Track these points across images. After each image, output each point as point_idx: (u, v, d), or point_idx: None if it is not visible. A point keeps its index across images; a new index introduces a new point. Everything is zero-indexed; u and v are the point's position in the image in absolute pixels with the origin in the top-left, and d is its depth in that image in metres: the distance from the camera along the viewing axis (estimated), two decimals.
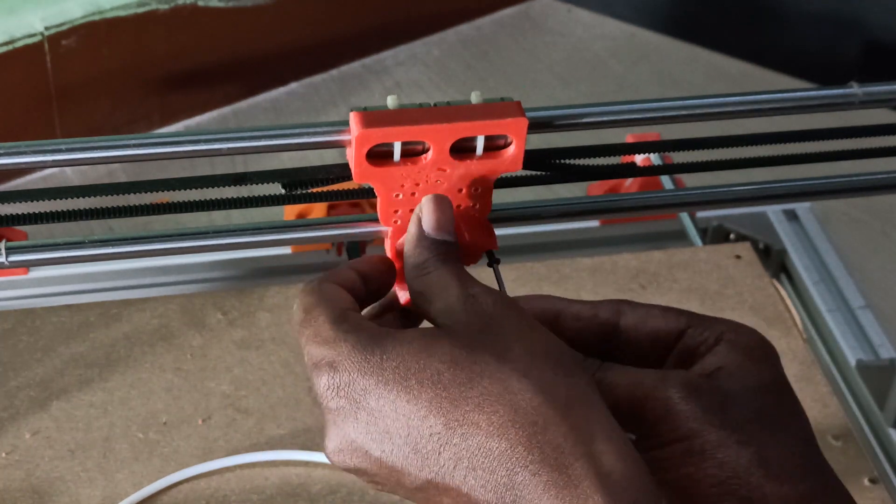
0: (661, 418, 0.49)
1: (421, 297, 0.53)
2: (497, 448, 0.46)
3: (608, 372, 0.51)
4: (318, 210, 1.08)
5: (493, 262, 0.58)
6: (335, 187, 0.62)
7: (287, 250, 1.13)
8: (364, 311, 0.55)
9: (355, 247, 1.11)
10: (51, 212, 0.60)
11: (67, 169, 1.52)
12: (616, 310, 0.55)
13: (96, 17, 1.61)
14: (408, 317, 0.57)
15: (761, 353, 0.52)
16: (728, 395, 0.50)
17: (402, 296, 0.57)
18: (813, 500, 0.48)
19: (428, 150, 0.56)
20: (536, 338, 0.49)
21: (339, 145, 0.57)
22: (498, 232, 0.59)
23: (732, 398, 0.50)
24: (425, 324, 0.54)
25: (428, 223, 0.55)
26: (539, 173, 0.64)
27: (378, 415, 0.47)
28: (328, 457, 0.49)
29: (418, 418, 0.47)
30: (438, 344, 0.48)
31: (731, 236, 1.18)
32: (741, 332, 0.52)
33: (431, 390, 0.47)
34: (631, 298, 0.56)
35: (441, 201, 0.56)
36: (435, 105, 0.56)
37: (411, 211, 0.58)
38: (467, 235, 0.57)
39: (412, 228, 0.55)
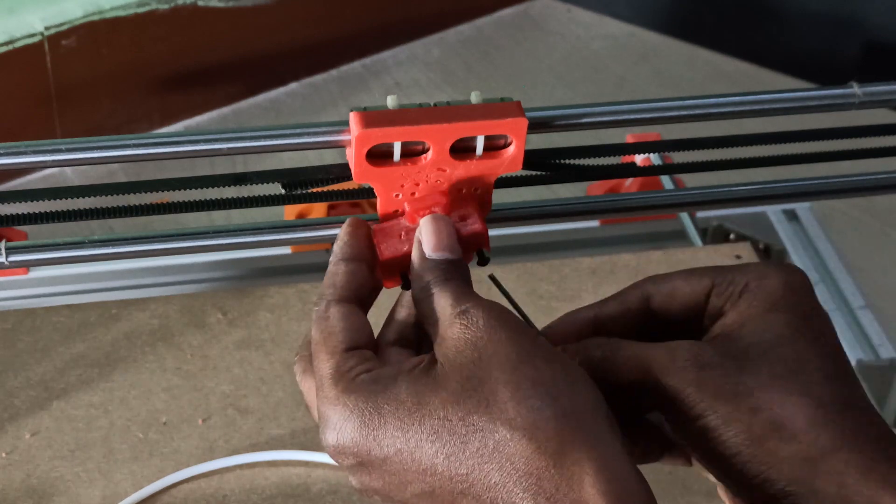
0: (674, 398, 0.49)
1: (424, 321, 0.53)
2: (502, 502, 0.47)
3: (618, 353, 0.51)
4: (318, 210, 1.08)
5: (484, 262, 0.57)
6: (335, 187, 0.62)
7: (287, 250, 1.13)
8: (379, 337, 0.55)
9: None
10: (51, 212, 0.60)
11: (67, 169, 1.52)
12: (643, 295, 0.55)
13: (96, 17, 1.61)
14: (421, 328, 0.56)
15: (783, 296, 0.51)
16: (741, 356, 0.50)
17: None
18: (835, 451, 0.47)
19: (428, 150, 0.56)
20: (525, 367, 0.48)
21: (339, 145, 0.57)
22: (498, 232, 0.59)
23: (745, 360, 0.50)
24: None
25: (427, 244, 0.54)
26: (539, 173, 0.64)
27: (384, 469, 0.49)
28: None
29: (421, 472, 0.48)
30: (430, 402, 0.49)
31: (731, 236, 1.17)
32: (765, 277, 0.52)
33: (431, 447, 0.48)
34: None
35: (438, 221, 0.55)
36: (435, 105, 0.56)
37: (412, 211, 0.57)
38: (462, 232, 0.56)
39: (414, 252, 0.55)
